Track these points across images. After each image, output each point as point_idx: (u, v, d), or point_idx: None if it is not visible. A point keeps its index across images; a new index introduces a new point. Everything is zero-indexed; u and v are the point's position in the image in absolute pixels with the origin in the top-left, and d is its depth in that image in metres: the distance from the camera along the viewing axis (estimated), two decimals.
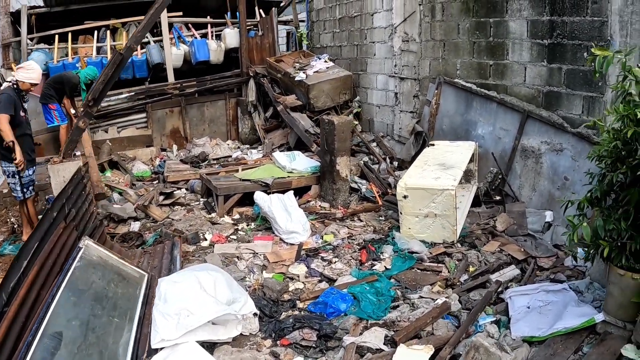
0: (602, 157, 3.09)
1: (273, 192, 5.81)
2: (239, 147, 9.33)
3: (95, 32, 9.37)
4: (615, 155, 2.99)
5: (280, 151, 7.80)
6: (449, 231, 4.72)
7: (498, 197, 5.54)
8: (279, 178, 6.25)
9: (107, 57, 8.92)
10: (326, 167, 6.14)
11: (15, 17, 9.08)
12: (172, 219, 5.95)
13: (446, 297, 3.76)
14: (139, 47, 9.16)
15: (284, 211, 5.23)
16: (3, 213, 6.15)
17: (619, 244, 2.93)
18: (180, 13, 9.86)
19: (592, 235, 2.98)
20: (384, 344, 3.20)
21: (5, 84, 5.34)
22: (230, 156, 8.66)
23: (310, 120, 7.92)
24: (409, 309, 3.66)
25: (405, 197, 4.77)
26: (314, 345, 3.33)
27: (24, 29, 8.88)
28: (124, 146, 8.78)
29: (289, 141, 8.29)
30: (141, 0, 9.25)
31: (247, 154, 8.64)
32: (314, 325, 3.44)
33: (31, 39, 9.04)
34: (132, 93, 9.06)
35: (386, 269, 4.38)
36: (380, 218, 5.66)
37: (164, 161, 8.37)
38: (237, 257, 4.78)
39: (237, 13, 9.61)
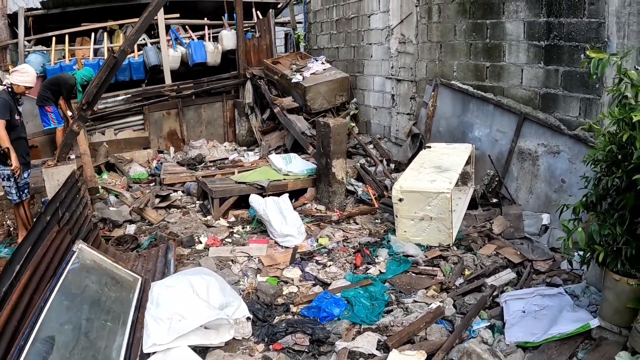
0: (598, 161, 3.06)
1: (269, 195, 5.78)
2: (236, 149, 9.30)
3: (93, 34, 9.37)
4: (610, 159, 2.96)
5: (277, 153, 7.77)
6: (445, 234, 4.69)
7: (495, 200, 5.51)
8: (274, 181, 6.23)
9: (104, 58, 8.87)
10: (322, 169, 6.11)
11: (12, 19, 9.08)
12: (168, 222, 5.93)
13: (441, 302, 3.73)
14: (136, 49, 9.16)
15: (279, 214, 5.20)
16: None
17: (615, 249, 2.90)
18: (178, 15, 9.86)
19: (587, 240, 2.95)
20: (377, 349, 3.17)
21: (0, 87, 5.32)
22: (227, 158, 8.64)
23: (307, 123, 7.90)
24: (402, 313, 3.63)
25: (400, 200, 4.74)
26: (306, 350, 3.31)
27: (21, 30, 8.87)
28: (121, 148, 8.77)
29: (286, 143, 8.27)
30: (138, 2, 9.25)
31: (243, 156, 8.62)
32: (307, 330, 3.42)
33: (28, 41, 9.04)
34: (129, 95, 9.04)
35: (381, 272, 4.36)
36: (376, 221, 5.63)
37: (161, 163, 8.35)
38: (232, 261, 4.75)
39: (235, 15, 9.58)
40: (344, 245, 5.01)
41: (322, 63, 8.74)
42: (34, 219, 4.55)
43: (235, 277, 4.41)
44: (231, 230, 5.59)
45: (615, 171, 2.90)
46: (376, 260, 4.59)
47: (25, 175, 5.27)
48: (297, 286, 4.26)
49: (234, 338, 3.42)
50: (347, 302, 3.79)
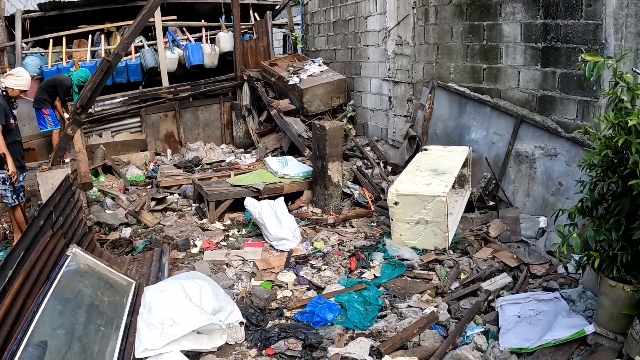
0: (593, 165, 3.03)
1: (265, 198, 5.75)
2: (233, 152, 9.28)
3: (90, 36, 9.36)
4: (606, 163, 2.92)
5: (274, 156, 7.75)
6: (441, 238, 4.66)
7: (492, 203, 5.48)
8: (270, 184, 6.20)
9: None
10: (318, 172, 6.08)
11: (9, 21, 9.08)
12: (164, 225, 5.90)
13: (435, 306, 3.69)
14: (133, 51, 9.15)
15: (274, 217, 5.17)
16: None
17: (610, 254, 2.87)
18: (175, 17, 9.84)
19: (582, 245, 2.92)
20: (370, 354, 3.14)
21: None
22: (224, 161, 8.62)
23: (304, 125, 7.87)
24: (396, 318, 3.60)
25: (396, 203, 4.71)
26: (298, 355, 3.28)
27: (18, 33, 8.86)
28: (118, 150, 8.75)
29: (283, 146, 8.24)
30: (135, 4, 9.23)
31: (240, 159, 8.59)
32: (300, 335, 3.39)
33: (26, 43, 9.03)
34: (126, 97, 9.02)
35: (375, 276, 4.32)
36: (372, 224, 5.60)
37: (158, 165, 8.33)
38: (226, 264, 4.72)
39: (232, 16, 9.56)
40: (339, 249, 4.98)
41: (320, 65, 8.72)
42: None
43: (230, 281, 4.38)
44: (227, 233, 5.56)
45: (611, 176, 2.86)
46: (371, 264, 4.56)
47: (21, 178, 5.26)
48: (291, 290, 4.22)
49: (226, 343, 3.39)
50: (341, 307, 3.76)
